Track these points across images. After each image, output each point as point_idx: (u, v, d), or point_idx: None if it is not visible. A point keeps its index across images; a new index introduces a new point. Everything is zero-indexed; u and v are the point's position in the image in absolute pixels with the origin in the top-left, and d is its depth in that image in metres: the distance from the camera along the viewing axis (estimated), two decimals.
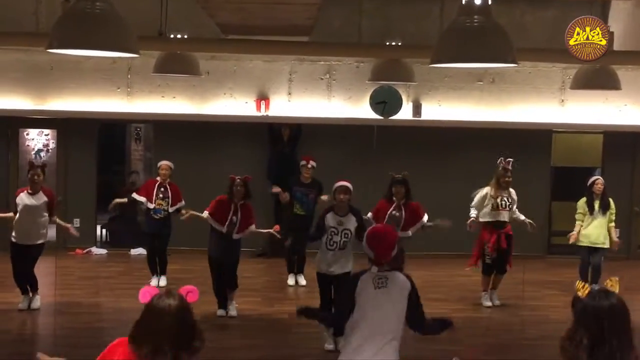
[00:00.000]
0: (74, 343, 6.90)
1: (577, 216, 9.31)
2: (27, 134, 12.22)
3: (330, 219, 7.01)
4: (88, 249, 11.53)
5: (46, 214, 8.05)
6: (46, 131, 12.23)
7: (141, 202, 9.33)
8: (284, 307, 8.60)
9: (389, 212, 8.18)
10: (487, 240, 8.59)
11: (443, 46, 4.38)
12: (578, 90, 9.71)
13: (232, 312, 8.11)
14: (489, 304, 8.76)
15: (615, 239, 9.29)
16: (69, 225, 8.35)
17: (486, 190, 8.66)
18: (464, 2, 4.19)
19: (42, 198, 8.01)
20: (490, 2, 4.20)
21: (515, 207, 8.72)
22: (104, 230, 12.34)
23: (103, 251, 11.64)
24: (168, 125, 11.41)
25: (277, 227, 8.13)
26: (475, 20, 4.15)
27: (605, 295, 2.80)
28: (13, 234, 8.09)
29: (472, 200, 8.74)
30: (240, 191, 7.86)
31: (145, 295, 2.91)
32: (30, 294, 8.15)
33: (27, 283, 8.15)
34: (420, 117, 11.34)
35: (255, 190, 9.40)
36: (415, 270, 9.86)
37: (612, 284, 2.90)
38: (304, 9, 7.18)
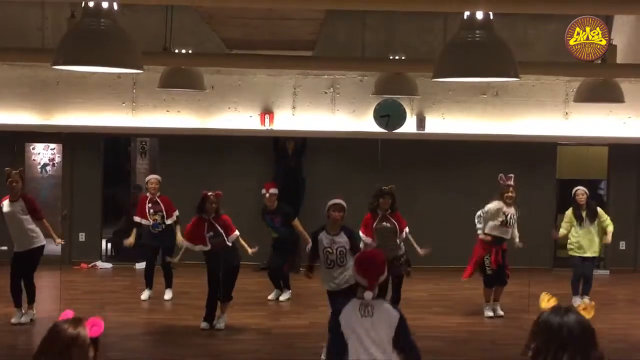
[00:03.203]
0: None
1: (562, 224, 9.41)
2: (33, 149, 12.27)
3: (322, 240, 6.93)
4: (93, 263, 11.55)
5: (30, 219, 8.06)
6: (52, 145, 12.28)
7: (139, 223, 9.37)
8: (289, 322, 8.59)
9: (375, 224, 8.05)
10: (488, 253, 8.63)
11: (444, 60, 4.39)
12: (582, 103, 9.70)
13: (220, 324, 8.06)
14: (491, 314, 8.82)
15: (608, 240, 9.33)
16: (54, 236, 8.31)
17: (499, 205, 8.66)
18: (466, 16, 4.20)
19: (21, 204, 8.09)
20: (492, 17, 4.21)
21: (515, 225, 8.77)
22: (109, 245, 12.36)
23: (108, 265, 11.65)
24: (173, 139, 11.44)
25: (254, 249, 8.30)
26: (477, 35, 4.15)
27: (565, 313, 2.61)
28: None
29: (478, 212, 8.75)
30: (214, 207, 7.95)
31: (63, 317, 2.83)
32: (26, 306, 8.14)
33: (21, 294, 8.11)
34: (424, 130, 11.35)
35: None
36: (421, 284, 10.00)
37: (585, 309, 2.66)
38: (308, 24, 7.20)
